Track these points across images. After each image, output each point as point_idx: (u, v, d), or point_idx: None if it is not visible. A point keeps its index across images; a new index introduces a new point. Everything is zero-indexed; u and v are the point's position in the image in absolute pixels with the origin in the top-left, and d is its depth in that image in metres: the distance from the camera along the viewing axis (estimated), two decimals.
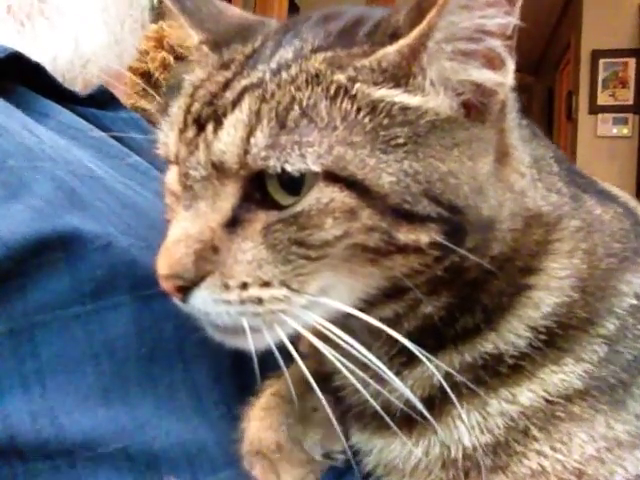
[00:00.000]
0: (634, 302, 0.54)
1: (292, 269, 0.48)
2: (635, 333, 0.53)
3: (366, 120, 0.48)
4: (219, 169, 0.49)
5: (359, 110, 0.48)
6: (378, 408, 0.51)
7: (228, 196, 0.49)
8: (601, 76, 4.95)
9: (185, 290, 0.50)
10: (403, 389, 0.50)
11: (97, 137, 0.75)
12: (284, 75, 0.49)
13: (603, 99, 4.96)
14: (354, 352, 0.49)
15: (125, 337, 0.57)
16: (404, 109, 0.48)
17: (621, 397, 0.51)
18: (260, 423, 0.59)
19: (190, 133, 0.51)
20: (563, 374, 0.51)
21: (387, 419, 0.51)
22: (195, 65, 0.57)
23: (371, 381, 0.51)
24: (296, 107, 0.47)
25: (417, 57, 0.48)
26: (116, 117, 0.82)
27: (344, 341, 0.49)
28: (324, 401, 0.52)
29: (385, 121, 0.48)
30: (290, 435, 0.59)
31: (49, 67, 0.77)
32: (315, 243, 0.48)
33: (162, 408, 0.57)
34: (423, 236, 0.48)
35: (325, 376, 0.61)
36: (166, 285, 0.50)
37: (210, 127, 0.49)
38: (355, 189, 0.47)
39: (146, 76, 1.25)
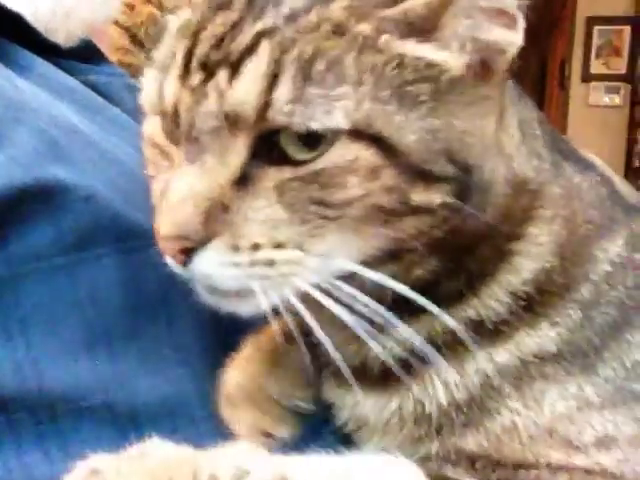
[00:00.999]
0: (608, 269, 0.55)
1: (308, 230, 0.47)
2: (608, 299, 0.54)
3: (393, 75, 0.46)
4: (231, 121, 0.46)
5: (386, 64, 0.46)
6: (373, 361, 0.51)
7: (238, 151, 0.47)
8: (595, 44, 4.90)
9: (189, 252, 0.47)
10: (414, 336, 0.50)
11: (80, 91, 0.74)
12: (303, 22, 0.46)
13: (596, 67, 4.92)
14: (363, 310, 0.48)
15: (109, 289, 0.57)
16: (428, 65, 0.47)
17: (592, 361, 0.52)
18: (235, 371, 0.61)
19: (195, 79, 0.47)
20: (538, 337, 0.52)
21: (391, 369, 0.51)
22: (179, 6, 0.54)
23: (373, 341, 0.50)
24: (321, 59, 0.45)
25: (445, 11, 0.47)
26: (101, 71, 0.81)
27: (354, 301, 0.48)
28: (303, 348, 0.52)
29: (410, 76, 0.47)
30: (260, 383, 0.60)
31: (30, 18, 0.75)
32: (335, 202, 0.46)
33: (146, 360, 0.58)
34: (436, 197, 0.48)
35: (305, 332, 0.62)
36: (169, 246, 0.48)
37: (223, 74, 0.46)
38: (380, 147, 0.46)
39: (132, 31, 1.22)
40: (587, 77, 4.96)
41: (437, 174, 0.47)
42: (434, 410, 0.52)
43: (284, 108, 0.45)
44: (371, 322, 0.51)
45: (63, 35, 0.80)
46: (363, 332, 0.49)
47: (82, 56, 0.80)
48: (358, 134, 0.46)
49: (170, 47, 0.50)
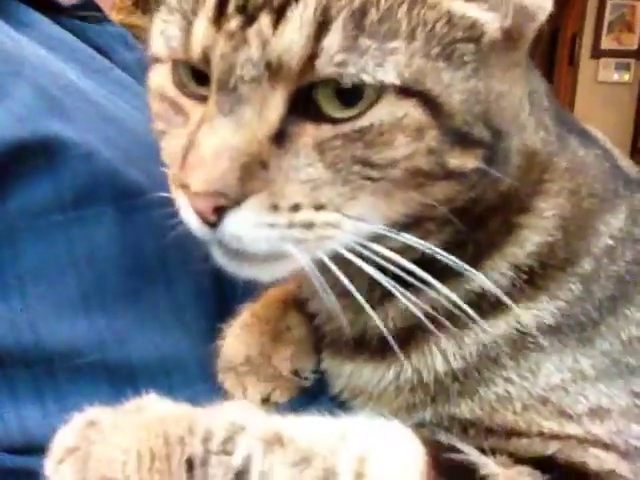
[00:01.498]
0: (610, 242, 0.54)
1: (349, 191, 0.45)
2: (608, 273, 0.54)
3: (443, 32, 0.45)
4: (273, 71, 0.43)
5: (436, 20, 0.45)
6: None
7: (276, 104, 0.44)
8: (607, 19, 4.82)
9: (221, 211, 0.44)
10: (450, 294, 0.49)
11: (80, 49, 0.73)
12: None
13: (607, 43, 4.85)
14: (376, 276, 0.47)
15: (106, 248, 0.57)
16: (474, 24, 0.46)
17: (589, 334, 0.52)
18: (234, 339, 0.61)
19: (233, 24, 0.43)
20: (537, 310, 0.52)
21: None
22: None
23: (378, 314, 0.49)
24: (373, 9, 0.43)
25: None
26: (102, 30, 0.80)
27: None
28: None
29: (458, 35, 0.45)
30: (261, 351, 0.60)
31: None
32: (380, 162, 0.45)
33: (143, 320, 0.58)
34: (470, 161, 0.47)
35: (302, 302, 0.62)
36: (201, 204, 0.44)
37: (266, 19, 0.43)
38: (427, 106, 0.44)
39: None
40: (597, 53, 4.89)
41: (474, 138, 0.46)
42: (431, 379, 0.52)
43: (335, 58, 0.42)
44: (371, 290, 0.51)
45: None
46: (399, 292, 0.48)
47: (83, 14, 0.79)
48: (406, 91, 0.44)
49: None
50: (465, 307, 0.50)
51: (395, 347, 0.51)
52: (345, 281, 0.47)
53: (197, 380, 0.59)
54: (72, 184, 0.56)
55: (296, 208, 0.45)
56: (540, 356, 0.51)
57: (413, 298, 0.49)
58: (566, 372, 0.51)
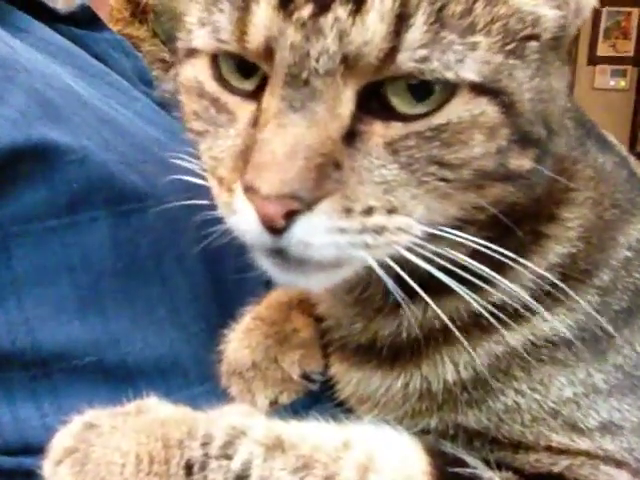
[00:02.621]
0: (628, 254, 0.54)
1: (422, 193, 0.43)
2: (624, 285, 0.53)
3: (516, 29, 0.43)
4: (350, 64, 0.40)
5: (510, 17, 0.43)
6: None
7: (347, 100, 0.41)
8: (603, 26, 4.84)
9: (291, 216, 0.41)
10: (517, 290, 0.47)
11: (77, 55, 0.73)
12: None
13: (603, 50, 4.86)
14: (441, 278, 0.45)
15: (101, 251, 0.57)
16: (538, 21, 0.45)
17: (604, 347, 0.51)
18: (239, 343, 0.60)
19: (305, 12, 0.40)
20: (554, 322, 0.50)
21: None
22: None
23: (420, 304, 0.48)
24: (453, 2, 0.41)
25: None
26: (100, 38, 0.80)
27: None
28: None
29: (527, 31, 0.44)
30: (268, 355, 0.59)
31: None
32: (455, 162, 0.42)
33: (139, 322, 0.58)
34: (527, 162, 0.45)
35: (310, 306, 0.61)
36: (272, 208, 0.40)
37: (342, 9, 0.40)
38: (501, 104, 0.43)
39: (133, 2, 1.21)
40: (593, 59, 4.90)
41: (533, 137, 0.45)
42: (439, 388, 0.52)
43: (417, 53, 0.40)
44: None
45: (61, 1, 0.79)
46: (462, 290, 0.46)
47: (80, 21, 0.79)
48: (481, 88, 0.42)
49: None
50: (531, 301, 0.47)
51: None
52: (389, 282, 0.45)
53: (195, 382, 0.59)
54: (66, 189, 0.56)
55: (369, 212, 0.42)
56: (553, 368, 0.50)
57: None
58: (578, 385, 0.50)
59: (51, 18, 0.75)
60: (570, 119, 0.53)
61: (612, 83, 4.84)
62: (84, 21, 0.80)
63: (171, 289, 0.60)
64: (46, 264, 0.55)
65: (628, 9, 4.79)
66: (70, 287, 0.56)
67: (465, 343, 0.49)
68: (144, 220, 0.54)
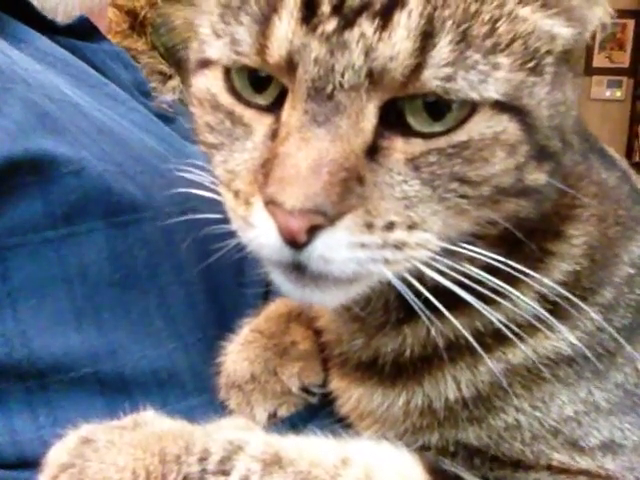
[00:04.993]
0: (630, 271, 0.54)
1: (442, 209, 0.43)
2: (627, 302, 0.53)
3: (535, 47, 0.43)
4: (374, 80, 0.40)
5: (529, 35, 0.43)
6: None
7: (370, 115, 0.41)
8: (599, 37, 4.87)
9: (314, 231, 0.40)
10: (530, 303, 0.47)
11: (75, 65, 0.73)
12: None
13: (599, 61, 4.89)
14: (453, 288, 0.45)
15: (98, 263, 0.57)
16: (554, 38, 0.45)
17: (605, 366, 0.51)
18: (237, 356, 0.60)
19: (330, 26, 0.40)
20: (556, 340, 0.50)
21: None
22: None
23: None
24: (477, 23, 0.41)
25: None
26: (98, 49, 0.80)
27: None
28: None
29: (544, 48, 0.44)
30: (267, 367, 0.59)
31: None
32: (476, 179, 0.43)
33: (136, 333, 0.58)
34: (542, 176, 0.45)
35: (309, 319, 0.61)
36: (295, 223, 0.40)
37: (368, 24, 0.40)
38: (521, 121, 0.43)
39: (131, 14, 1.21)
40: (589, 71, 4.93)
41: (550, 151, 0.45)
42: (441, 405, 0.51)
43: (442, 71, 0.40)
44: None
45: (61, 14, 0.80)
46: (477, 302, 0.45)
47: (79, 33, 0.79)
48: (503, 105, 0.42)
49: None
50: (544, 314, 0.47)
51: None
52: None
53: (192, 393, 0.59)
54: (63, 200, 0.56)
55: (390, 227, 0.42)
56: (554, 387, 0.50)
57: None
58: (580, 404, 0.50)
59: (50, 30, 0.75)
60: (575, 133, 0.53)
61: (608, 94, 4.87)
62: (83, 33, 0.80)
63: (168, 300, 0.60)
64: (43, 275, 0.55)
65: (623, 21, 4.83)
66: (67, 298, 0.56)
67: (484, 355, 0.48)
68: (141, 231, 0.54)
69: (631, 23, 4.85)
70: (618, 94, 4.87)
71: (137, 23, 1.21)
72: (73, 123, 0.61)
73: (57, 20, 0.78)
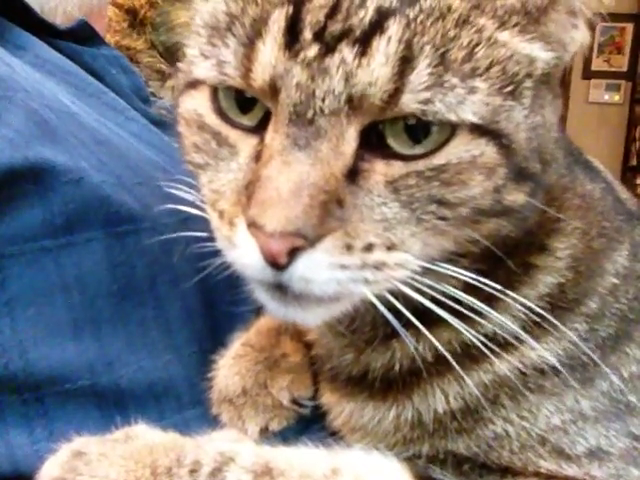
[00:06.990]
0: (615, 281, 0.54)
1: (421, 231, 0.44)
2: (612, 311, 0.53)
3: (513, 71, 0.44)
4: (354, 104, 0.41)
5: (508, 60, 0.44)
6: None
7: (350, 139, 0.42)
8: (597, 41, 4.88)
9: (294, 253, 0.41)
10: (507, 322, 0.48)
11: (74, 73, 0.73)
12: (424, 6, 0.42)
13: (597, 64, 4.90)
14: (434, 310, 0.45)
15: (96, 273, 0.57)
16: (533, 62, 0.46)
17: (591, 375, 0.51)
18: (229, 370, 0.60)
19: (311, 52, 0.41)
20: (542, 351, 0.51)
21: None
22: None
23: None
24: (455, 47, 0.42)
25: (554, 7, 0.46)
26: (97, 53, 0.80)
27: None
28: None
29: (523, 72, 0.45)
30: (257, 381, 0.59)
31: None
32: (455, 202, 0.43)
33: (133, 345, 0.58)
34: (521, 196, 0.46)
35: (299, 332, 0.61)
36: (276, 245, 0.41)
37: (348, 51, 0.41)
38: (499, 144, 0.44)
39: (131, 13, 1.21)
40: (588, 74, 4.94)
41: (528, 172, 0.46)
42: (430, 418, 0.52)
43: (421, 95, 0.41)
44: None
45: (61, 16, 0.79)
46: (454, 320, 0.46)
47: (79, 37, 0.79)
48: (481, 129, 0.43)
49: (255, 11, 0.43)
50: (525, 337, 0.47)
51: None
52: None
53: (187, 405, 0.58)
54: (63, 209, 0.56)
55: (369, 248, 0.43)
56: (541, 397, 0.51)
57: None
58: (566, 413, 0.51)
59: (50, 34, 0.75)
60: (560, 148, 0.54)
61: (606, 97, 4.88)
62: (83, 37, 0.80)
63: (165, 311, 0.60)
64: (41, 285, 0.55)
65: (622, 25, 4.84)
66: (65, 309, 0.55)
67: (461, 372, 0.49)
68: (139, 242, 0.53)
69: (630, 27, 4.86)
70: (616, 98, 4.88)
71: (137, 22, 1.21)
72: (72, 133, 0.61)
73: (57, 22, 0.78)
